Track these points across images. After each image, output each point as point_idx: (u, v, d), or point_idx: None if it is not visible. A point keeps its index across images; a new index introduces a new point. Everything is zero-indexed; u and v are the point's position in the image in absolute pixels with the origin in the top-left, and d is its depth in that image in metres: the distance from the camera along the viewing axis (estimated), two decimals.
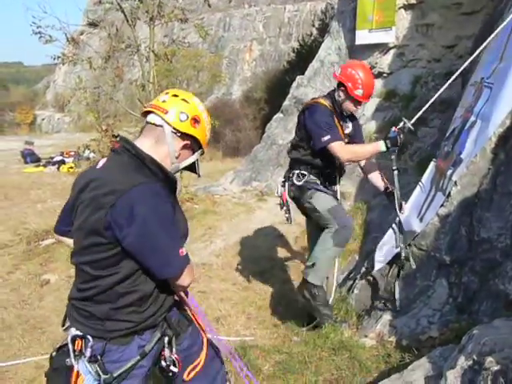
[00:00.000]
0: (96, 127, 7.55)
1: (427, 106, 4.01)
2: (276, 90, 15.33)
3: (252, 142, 12.94)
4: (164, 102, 1.99)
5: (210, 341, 2.31)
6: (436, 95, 4.02)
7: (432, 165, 4.27)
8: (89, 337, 1.88)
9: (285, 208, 4.15)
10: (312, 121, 3.83)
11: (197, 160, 2.10)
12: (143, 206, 1.78)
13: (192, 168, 2.13)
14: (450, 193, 3.85)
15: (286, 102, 9.64)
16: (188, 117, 1.96)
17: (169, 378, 2.09)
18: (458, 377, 2.28)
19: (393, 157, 3.86)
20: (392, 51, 7.89)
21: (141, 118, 7.06)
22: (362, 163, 4.13)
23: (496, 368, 2.08)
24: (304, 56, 14.25)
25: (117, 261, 1.84)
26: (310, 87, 9.10)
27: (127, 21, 7.30)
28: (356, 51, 8.30)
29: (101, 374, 1.86)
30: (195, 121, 1.98)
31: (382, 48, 7.91)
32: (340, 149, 3.69)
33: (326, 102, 3.88)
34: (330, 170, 3.99)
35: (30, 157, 14.94)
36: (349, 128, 4.04)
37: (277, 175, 8.59)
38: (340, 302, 4.48)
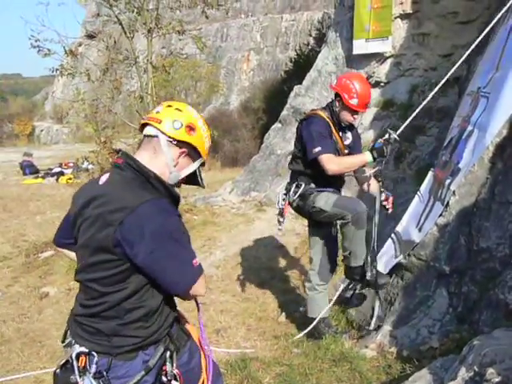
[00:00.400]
0: (95, 139, 7.55)
1: (413, 115, 4.15)
2: (274, 99, 15.38)
3: (250, 152, 12.97)
4: (158, 112, 2.01)
5: (210, 356, 2.30)
6: (421, 106, 4.16)
7: (430, 174, 4.28)
8: (94, 353, 1.88)
9: (280, 219, 4.16)
10: (307, 132, 3.86)
11: (199, 171, 2.10)
12: (152, 222, 1.79)
13: (195, 181, 2.12)
14: (448, 202, 3.86)
15: (284, 112, 9.66)
16: (182, 124, 1.97)
17: None
18: None
19: (379, 167, 3.89)
20: (389, 60, 7.93)
21: (139, 130, 7.10)
22: (360, 177, 4.15)
23: (497, 379, 2.08)
24: (301, 65, 14.31)
25: (125, 277, 1.84)
26: (308, 97, 9.14)
27: (125, 33, 7.33)
28: (353, 61, 8.34)
29: None
30: (190, 128, 1.99)
31: (379, 57, 7.95)
32: (328, 161, 3.69)
33: (325, 114, 3.91)
34: (329, 181, 4.00)
35: (28, 168, 14.91)
36: (349, 139, 4.05)
37: (275, 185, 8.60)
38: (340, 312, 4.48)
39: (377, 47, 7.89)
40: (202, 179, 2.13)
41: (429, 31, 7.38)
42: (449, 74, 4.06)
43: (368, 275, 3.94)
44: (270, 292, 5.29)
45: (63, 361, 1.96)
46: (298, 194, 3.96)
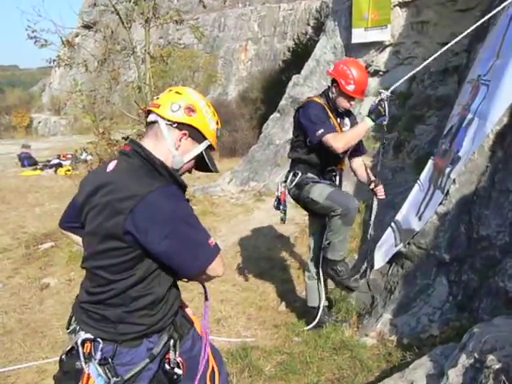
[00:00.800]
0: (93, 130, 7.51)
1: (406, 77, 4.22)
2: (272, 89, 15.29)
3: (249, 142, 12.91)
4: (158, 98, 2.02)
5: (212, 345, 2.31)
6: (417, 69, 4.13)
7: (430, 163, 4.28)
8: (99, 339, 1.88)
9: (281, 208, 4.16)
10: (305, 117, 3.83)
11: (207, 154, 2.07)
12: (163, 208, 1.80)
13: (205, 166, 2.10)
14: (448, 191, 3.86)
15: (283, 102, 9.64)
16: (181, 106, 1.95)
17: (172, 381, 2.09)
18: (460, 375, 2.28)
19: (385, 126, 3.89)
20: (388, 49, 7.92)
21: (137, 120, 7.08)
22: (354, 165, 4.15)
23: (497, 366, 2.09)
24: (300, 55, 14.22)
25: (133, 264, 1.84)
26: (307, 86, 9.12)
27: (122, 23, 7.26)
28: (352, 50, 8.32)
29: (111, 376, 1.86)
30: (190, 109, 1.96)
31: (378, 46, 7.94)
32: (334, 140, 3.66)
33: (321, 100, 3.89)
34: (328, 168, 3.99)
35: (27, 160, 14.87)
36: (347, 125, 4.03)
37: (274, 175, 8.60)
38: (340, 301, 4.49)
39: (376, 36, 7.87)
40: (213, 164, 2.09)
41: (428, 19, 7.36)
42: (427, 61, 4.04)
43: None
44: (270, 281, 5.31)
45: (69, 347, 1.97)
46: (294, 183, 3.96)
